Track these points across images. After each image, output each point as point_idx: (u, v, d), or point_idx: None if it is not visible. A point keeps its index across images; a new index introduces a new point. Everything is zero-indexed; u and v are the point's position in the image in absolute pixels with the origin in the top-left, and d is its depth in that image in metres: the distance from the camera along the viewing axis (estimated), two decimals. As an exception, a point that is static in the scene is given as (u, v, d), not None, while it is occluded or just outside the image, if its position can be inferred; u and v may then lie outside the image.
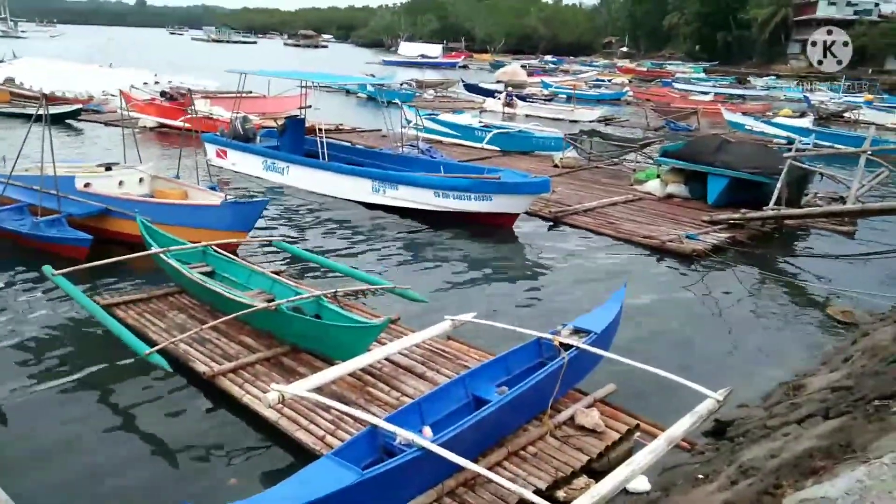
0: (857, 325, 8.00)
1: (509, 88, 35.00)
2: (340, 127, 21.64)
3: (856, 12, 68.53)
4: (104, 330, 6.18)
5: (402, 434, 4.09)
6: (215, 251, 7.86)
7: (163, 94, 21.59)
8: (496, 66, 64.83)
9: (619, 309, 6.18)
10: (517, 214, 11.48)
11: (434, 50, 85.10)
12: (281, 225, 11.19)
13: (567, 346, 5.36)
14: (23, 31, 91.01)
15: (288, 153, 13.62)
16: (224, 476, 4.78)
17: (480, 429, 4.52)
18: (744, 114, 29.29)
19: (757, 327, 8.13)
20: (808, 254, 11.39)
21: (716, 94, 39.83)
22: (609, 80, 51.34)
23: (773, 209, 11.95)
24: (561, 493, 4.43)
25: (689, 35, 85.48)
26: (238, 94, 14.94)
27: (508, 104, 29.61)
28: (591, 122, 26.19)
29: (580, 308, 7.15)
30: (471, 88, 37.17)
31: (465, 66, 72.94)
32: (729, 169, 13.03)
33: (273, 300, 6.57)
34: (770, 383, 6.45)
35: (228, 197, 9.76)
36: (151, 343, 5.95)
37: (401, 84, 34.24)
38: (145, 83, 19.65)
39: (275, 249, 9.14)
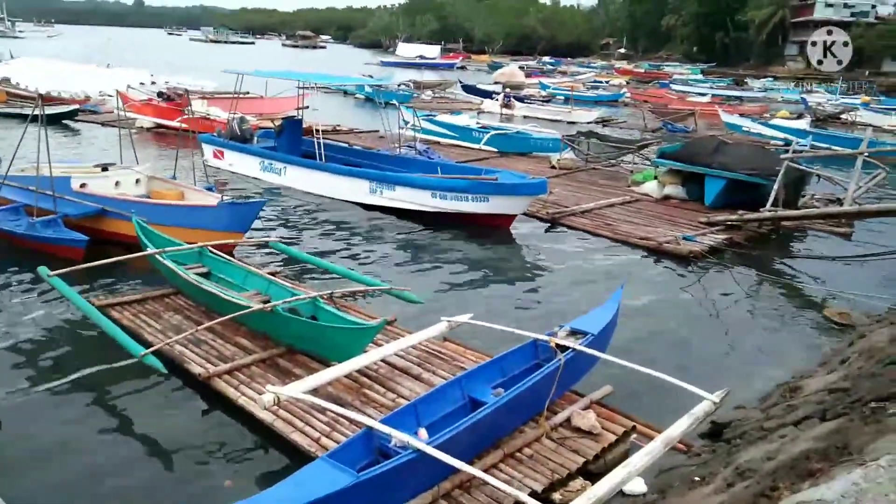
0: (854, 326, 8.00)
1: (507, 89, 35.01)
2: (338, 128, 21.64)
3: (853, 14, 68.82)
4: (100, 331, 6.16)
5: (398, 436, 4.09)
6: (211, 252, 7.84)
7: (160, 94, 21.50)
8: (494, 67, 64.94)
9: (616, 310, 6.18)
10: (514, 216, 11.48)
11: (432, 51, 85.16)
12: (278, 226, 11.18)
13: (564, 348, 5.35)
14: (20, 31, 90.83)
15: (285, 154, 13.60)
16: (219, 478, 4.77)
17: (476, 431, 4.52)
18: (741, 115, 29.35)
19: (754, 329, 8.12)
20: (804, 255, 11.39)
21: (713, 95, 39.81)
22: (606, 82, 51.35)
23: (770, 210, 11.96)
24: (557, 496, 4.43)
25: (686, 36, 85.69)
26: (235, 95, 14.90)
27: (506, 105, 29.59)
28: (588, 123, 26.20)
29: (577, 309, 7.14)
30: (468, 89, 37.24)
31: (462, 67, 73.08)
32: (726, 170, 13.03)
33: (269, 301, 6.55)
34: (767, 385, 6.45)
35: (225, 198, 9.73)
36: (147, 344, 5.93)
37: (398, 85, 34.20)
38: (142, 83, 19.60)
39: (271, 250, 9.12)
